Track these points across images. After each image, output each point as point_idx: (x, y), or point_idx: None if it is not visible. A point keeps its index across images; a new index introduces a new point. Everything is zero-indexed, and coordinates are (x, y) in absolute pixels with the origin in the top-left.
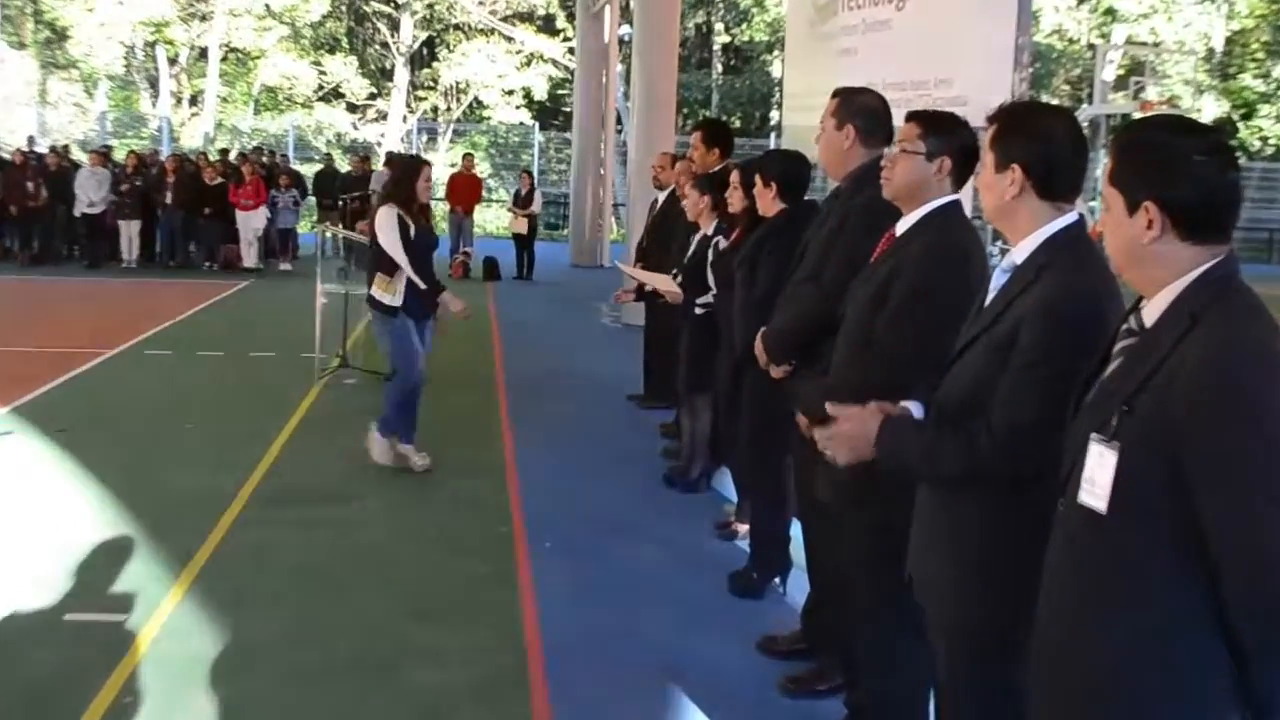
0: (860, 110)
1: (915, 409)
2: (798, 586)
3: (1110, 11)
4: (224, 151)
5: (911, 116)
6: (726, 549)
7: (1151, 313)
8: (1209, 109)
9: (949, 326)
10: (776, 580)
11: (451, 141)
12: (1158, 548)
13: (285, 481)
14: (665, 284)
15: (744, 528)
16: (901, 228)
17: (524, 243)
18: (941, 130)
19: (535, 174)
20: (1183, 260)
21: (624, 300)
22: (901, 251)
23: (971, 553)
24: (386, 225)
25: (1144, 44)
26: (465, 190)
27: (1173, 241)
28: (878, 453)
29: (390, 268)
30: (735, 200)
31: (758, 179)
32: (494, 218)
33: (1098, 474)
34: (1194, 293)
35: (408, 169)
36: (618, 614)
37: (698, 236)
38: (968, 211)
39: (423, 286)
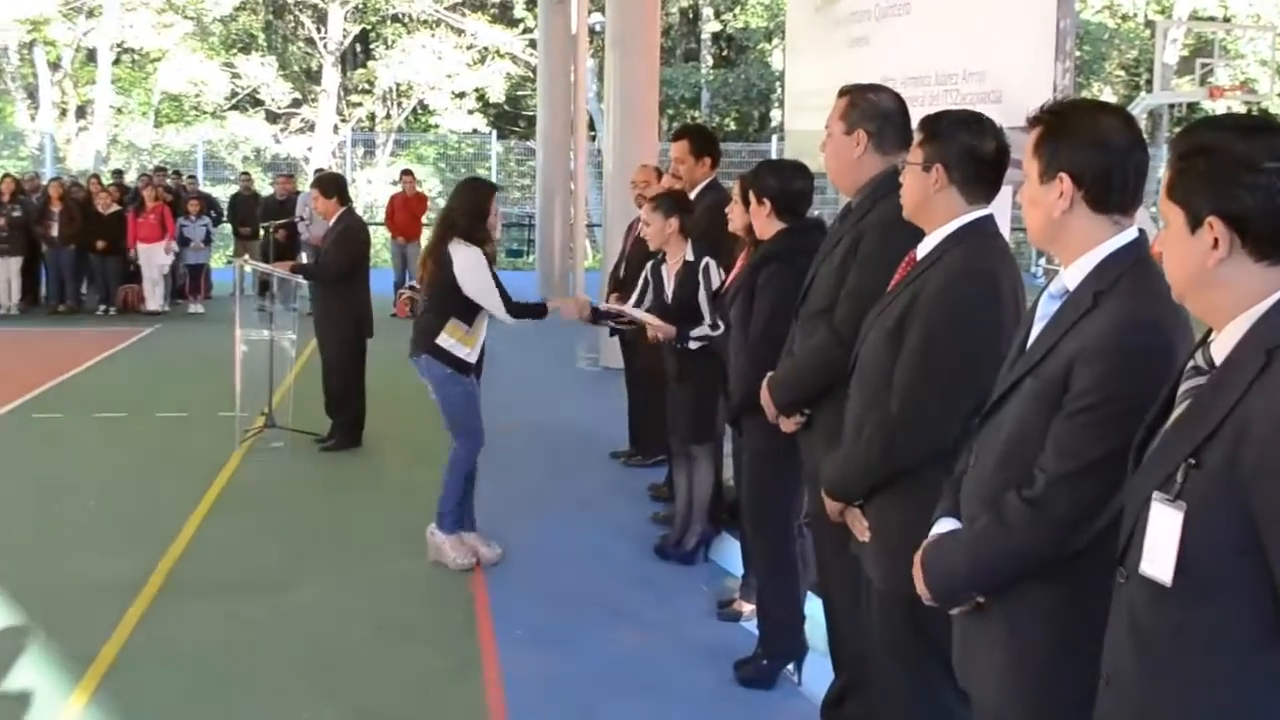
0: (873, 112)
1: (950, 525)
2: (816, 675)
3: None
4: (119, 173)
5: (921, 121)
6: (730, 632)
7: (1222, 348)
8: None
9: (979, 369)
10: (790, 667)
11: (393, 155)
12: (1233, 623)
13: (204, 566)
14: (649, 319)
15: (750, 607)
16: (923, 250)
17: None
18: (935, 134)
19: None
20: (1255, 285)
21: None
22: (921, 278)
23: (1020, 646)
24: (476, 266)
25: (1211, 19)
26: (408, 214)
27: (1243, 263)
28: (931, 593)
29: (469, 313)
30: (735, 217)
31: (752, 196)
32: None
33: (1161, 539)
34: (1270, 323)
35: (478, 196)
36: (601, 713)
37: (669, 268)
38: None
39: (534, 318)
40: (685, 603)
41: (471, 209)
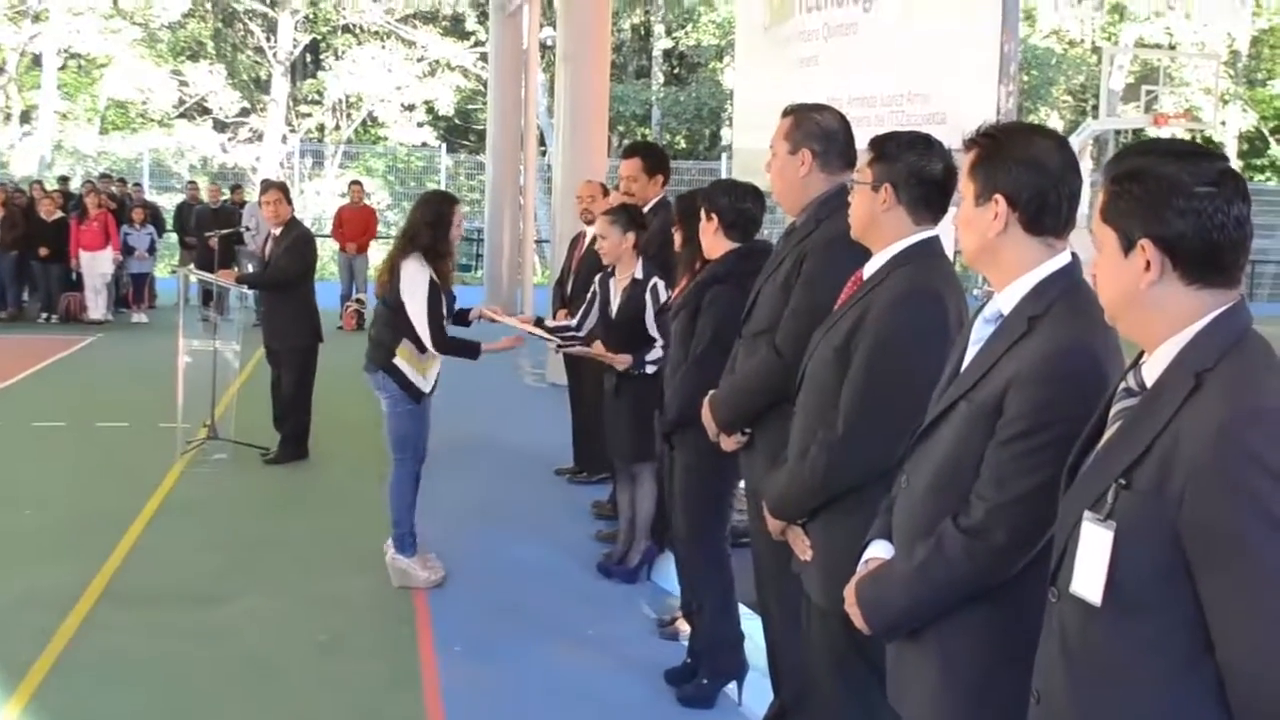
0: (818, 131)
1: (883, 549)
2: (756, 694)
3: (1118, 9)
4: (64, 179)
5: (871, 141)
6: (670, 651)
7: (1153, 370)
8: (1235, 121)
9: (925, 390)
10: (731, 686)
11: (341, 166)
12: (1159, 645)
13: (142, 578)
14: (603, 353)
15: (689, 626)
16: (869, 270)
17: None
18: (884, 154)
19: None
20: (1186, 308)
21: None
22: (867, 298)
23: (952, 666)
24: (417, 287)
25: (1157, 46)
26: (356, 225)
27: (1174, 286)
28: (869, 627)
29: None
30: (678, 238)
31: (702, 212)
32: None
33: (1091, 559)
34: (1199, 347)
35: (441, 208)
36: None
37: (617, 282)
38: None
39: (462, 357)
40: (626, 621)
41: (435, 221)
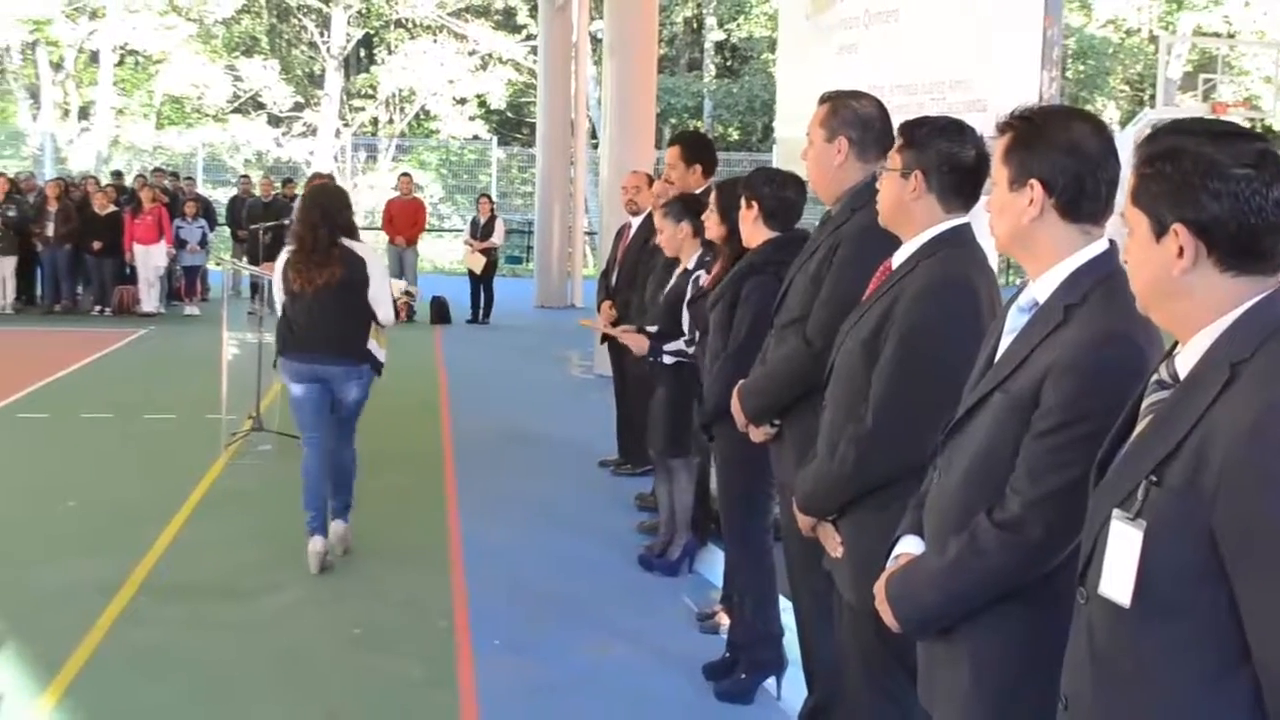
0: (854, 119)
1: (914, 544)
2: (796, 689)
3: None
4: (118, 174)
5: (900, 126)
6: (710, 645)
7: (1186, 361)
8: None
9: (956, 381)
10: (770, 681)
11: (394, 160)
12: (1193, 646)
13: (181, 571)
14: (621, 333)
15: (729, 619)
16: (898, 259)
17: (480, 280)
18: (914, 140)
19: (494, 197)
20: (1221, 296)
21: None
22: (897, 287)
23: (983, 666)
24: (377, 261)
25: (1216, 35)
26: (405, 217)
27: (1209, 273)
28: (900, 625)
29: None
30: (711, 224)
31: (742, 199)
32: (446, 250)
33: (1120, 559)
34: (1235, 337)
35: (342, 194)
36: None
37: (678, 271)
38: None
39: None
40: (667, 614)
41: (345, 206)
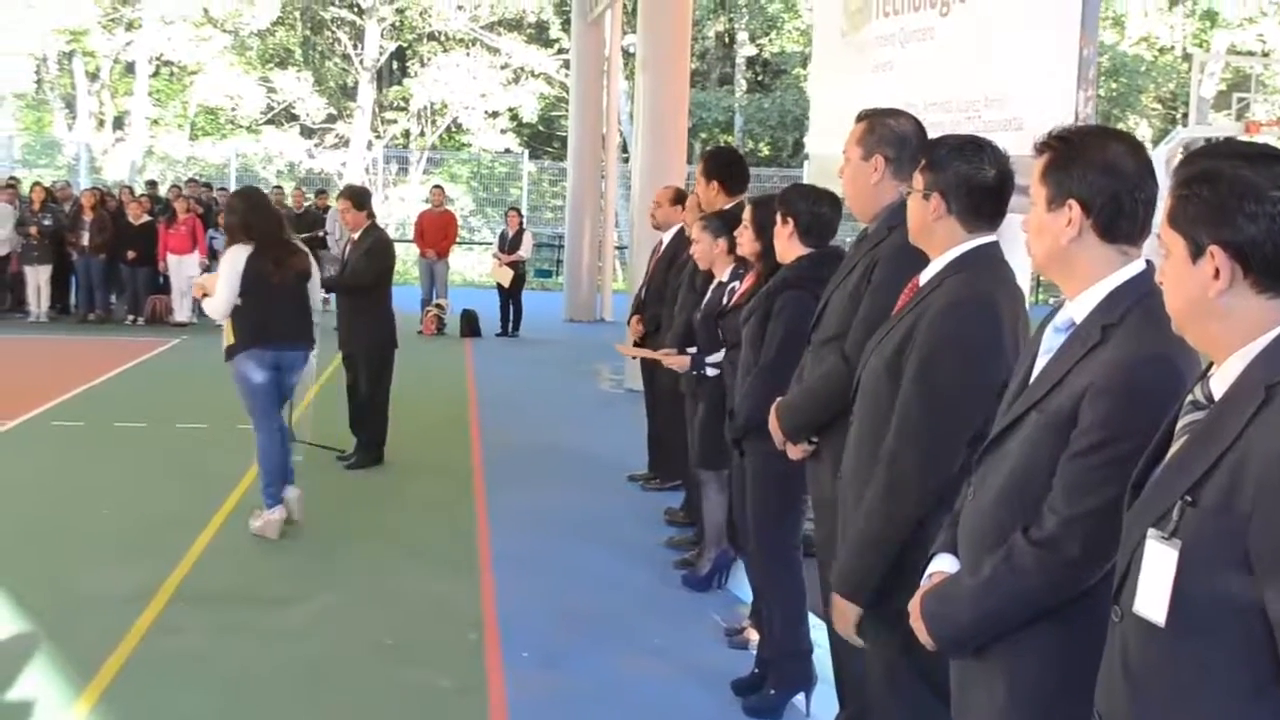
0: (891, 137)
1: (948, 563)
2: (824, 706)
3: (1209, 16)
4: (153, 184)
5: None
6: (738, 660)
7: (1221, 382)
8: None
9: (980, 399)
10: (800, 697)
11: (426, 172)
12: (1228, 665)
13: (214, 579)
14: (662, 356)
15: (758, 635)
16: (925, 276)
17: (509, 294)
18: (933, 162)
19: (525, 211)
20: (1257, 318)
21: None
22: (921, 304)
23: (1020, 686)
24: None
25: (1250, 54)
26: (437, 230)
27: (1245, 295)
28: (936, 643)
29: None
30: (745, 241)
31: (777, 216)
32: (476, 263)
33: (1155, 577)
34: (1271, 359)
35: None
36: None
37: (713, 285)
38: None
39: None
40: (695, 629)
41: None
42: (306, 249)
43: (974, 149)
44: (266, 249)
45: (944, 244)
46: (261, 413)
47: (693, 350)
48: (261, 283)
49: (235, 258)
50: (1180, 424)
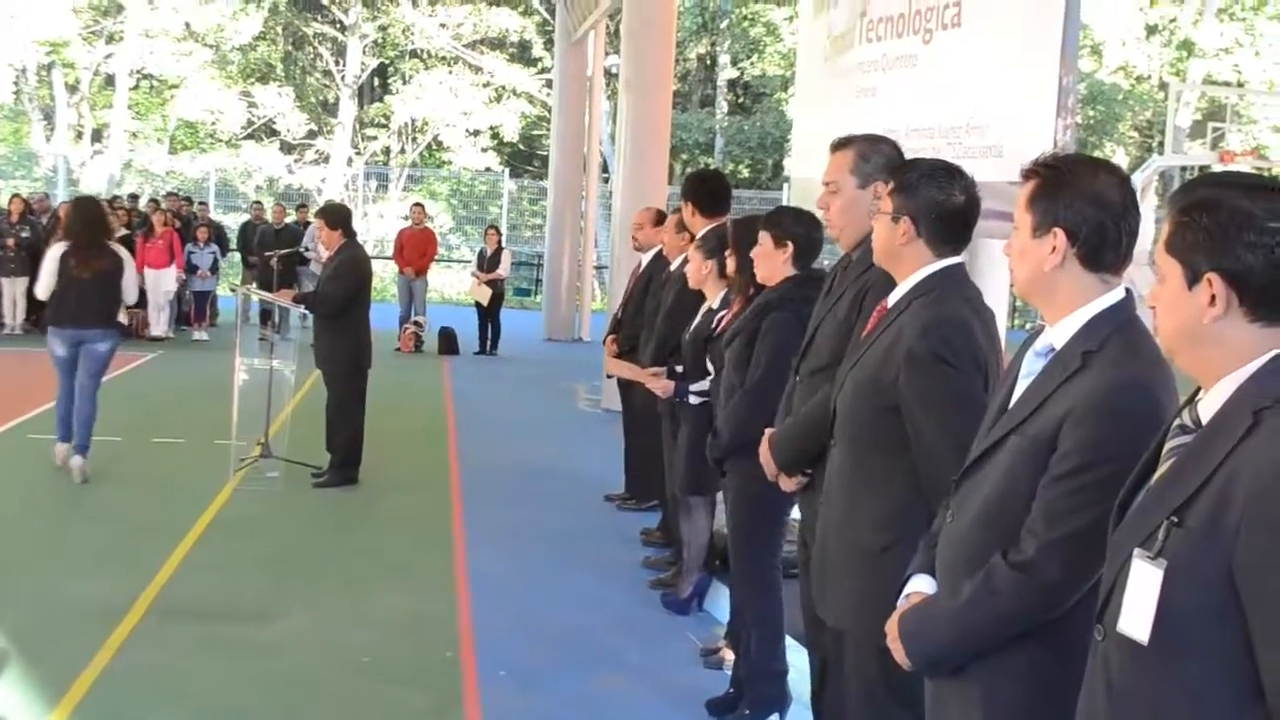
0: (887, 166)
1: (926, 584)
2: None
3: (1186, 45)
4: (133, 197)
5: (891, 169)
6: (713, 680)
7: (1209, 407)
8: None
9: (959, 423)
10: (774, 717)
11: (405, 189)
12: (1210, 684)
13: (189, 594)
14: (648, 377)
15: (734, 655)
16: (893, 299)
17: (487, 312)
18: (902, 185)
19: (504, 230)
20: (1247, 344)
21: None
22: (894, 327)
23: (996, 707)
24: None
25: (1225, 84)
26: (416, 247)
27: (1238, 322)
28: (913, 663)
29: None
30: (731, 263)
31: (768, 238)
32: (455, 281)
33: (1140, 597)
34: (1259, 385)
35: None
36: None
37: (703, 309)
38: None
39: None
40: (671, 649)
41: (105, 216)
42: (120, 253)
43: (945, 175)
44: (76, 248)
45: (911, 266)
46: (60, 376)
47: (679, 368)
48: (67, 275)
49: (53, 253)
50: (1167, 447)
